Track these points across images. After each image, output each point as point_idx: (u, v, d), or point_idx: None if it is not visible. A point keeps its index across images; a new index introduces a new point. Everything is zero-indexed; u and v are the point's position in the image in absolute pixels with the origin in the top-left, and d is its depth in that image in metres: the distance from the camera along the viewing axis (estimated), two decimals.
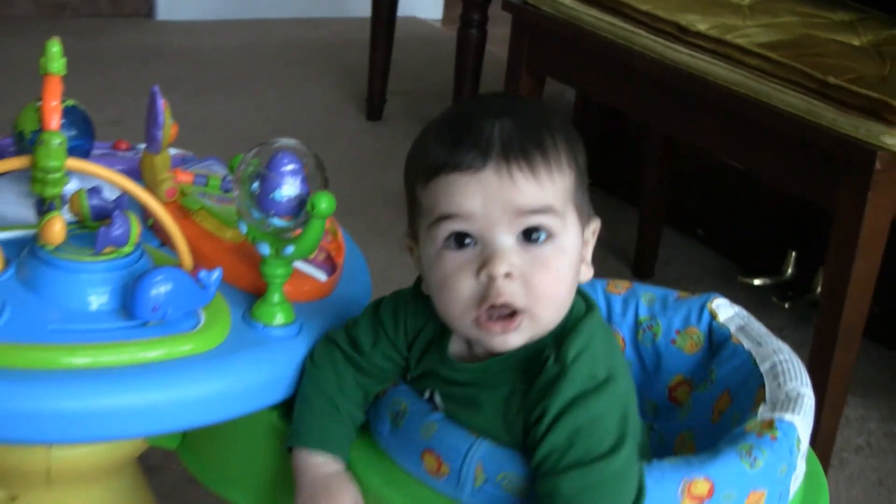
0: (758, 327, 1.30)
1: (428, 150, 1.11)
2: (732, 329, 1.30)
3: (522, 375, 1.10)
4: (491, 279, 1.06)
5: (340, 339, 1.21)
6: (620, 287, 1.35)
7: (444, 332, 1.17)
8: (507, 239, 1.07)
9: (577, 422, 1.05)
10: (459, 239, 1.08)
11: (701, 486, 1.06)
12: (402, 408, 1.15)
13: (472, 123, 1.09)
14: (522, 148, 1.07)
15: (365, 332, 1.20)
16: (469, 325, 1.10)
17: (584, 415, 1.05)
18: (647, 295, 1.35)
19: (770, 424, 1.14)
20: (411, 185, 1.15)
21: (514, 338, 1.09)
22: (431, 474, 1.10)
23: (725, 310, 1.33)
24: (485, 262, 1.06)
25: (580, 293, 1.15)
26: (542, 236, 1.08)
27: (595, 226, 1.18)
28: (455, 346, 1.16)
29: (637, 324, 1.34)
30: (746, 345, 1.27)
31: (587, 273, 1.15)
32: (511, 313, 1.08)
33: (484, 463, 1.08)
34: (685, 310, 1.33)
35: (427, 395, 1.17)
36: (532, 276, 1.07)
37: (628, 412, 1.08)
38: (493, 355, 1.12)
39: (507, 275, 1.06)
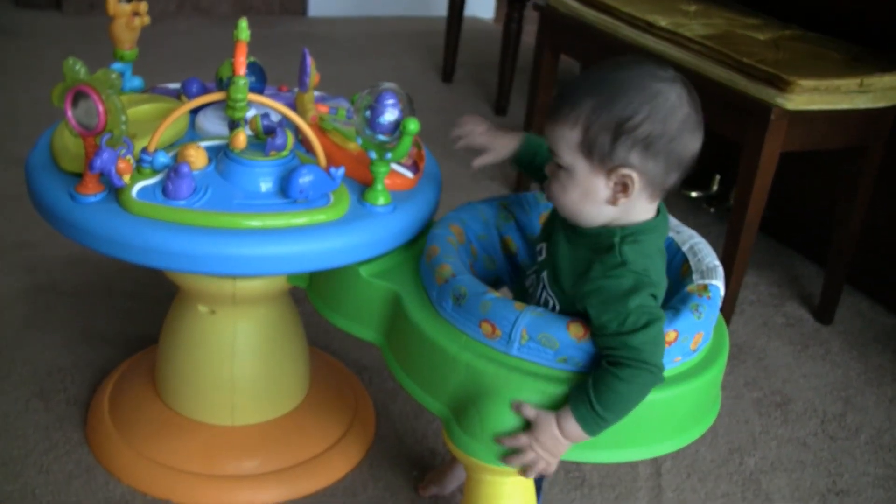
0: (674, 221, 1.24)
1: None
2: None
3: (590, 244, 1.08)
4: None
5: None
6: None
7: None
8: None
9: (633, 304, 1.01)
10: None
11: (671, 335, 1.06)
12: (463, 291, 1.10)
13: (576, 86, 1.05)
14: (559, 108, 1.05)
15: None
16: None
17: (637, 300, 1.02)
18: None
19: (705, 288, 1.12)
20: None
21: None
22: (487, 336, 1.08)
23: None
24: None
25: (658, 221, 1.09)
26: (559, 164, 1.07)
27: (618, 176, 1.03)
28: None
29: None
30: (669, 234, 1.22)
31: (611, 209, 1.06)
32: None
33: (528, 327, 1.05)
34: None
35: (539, 249, 1.16)
36: (550, 186, 1.09)
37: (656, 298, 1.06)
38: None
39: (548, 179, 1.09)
